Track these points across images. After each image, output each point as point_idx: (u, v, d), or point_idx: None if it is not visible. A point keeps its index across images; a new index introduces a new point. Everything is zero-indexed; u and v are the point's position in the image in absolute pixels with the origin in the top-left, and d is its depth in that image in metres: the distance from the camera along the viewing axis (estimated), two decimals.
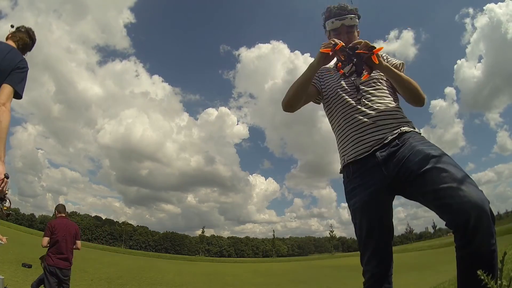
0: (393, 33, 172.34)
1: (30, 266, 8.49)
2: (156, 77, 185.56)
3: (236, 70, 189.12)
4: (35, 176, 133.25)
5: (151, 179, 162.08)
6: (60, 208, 4.30)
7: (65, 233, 3.99)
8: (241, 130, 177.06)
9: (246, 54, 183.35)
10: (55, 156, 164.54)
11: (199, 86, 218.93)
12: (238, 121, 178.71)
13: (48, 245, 3.91)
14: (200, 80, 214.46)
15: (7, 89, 1.45)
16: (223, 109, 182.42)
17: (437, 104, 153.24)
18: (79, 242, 4.22)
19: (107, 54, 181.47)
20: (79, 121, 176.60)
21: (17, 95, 1.52)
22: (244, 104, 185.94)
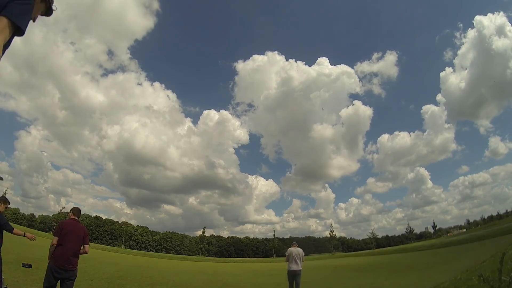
0: (376, 55, 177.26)
1: (30, 266, 8.42)
2: (157, 84, 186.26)
3: (234, 81, 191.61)
4: (40, 179, 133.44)
5: (154, 182, 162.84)
6: (75, 211, 4.25)
7: (73, 235, 3.95)
8: (241, 136, 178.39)
9: (243, 66, 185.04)
10: (58, 158, 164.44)
11: (199, 98, 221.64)
12: (238, 126, 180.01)
13: (57, 243, 3.86)
14: (200, 94, 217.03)
15: (2, 22, 1.09)
16: (224, 112, 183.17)
17: (428, 109, 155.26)
18: (87, 247, 4.16)
19: (111, 70, 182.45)
20: (83, 126, 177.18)
21: (18, 30, 1.16)
22: (243, 113, 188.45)
